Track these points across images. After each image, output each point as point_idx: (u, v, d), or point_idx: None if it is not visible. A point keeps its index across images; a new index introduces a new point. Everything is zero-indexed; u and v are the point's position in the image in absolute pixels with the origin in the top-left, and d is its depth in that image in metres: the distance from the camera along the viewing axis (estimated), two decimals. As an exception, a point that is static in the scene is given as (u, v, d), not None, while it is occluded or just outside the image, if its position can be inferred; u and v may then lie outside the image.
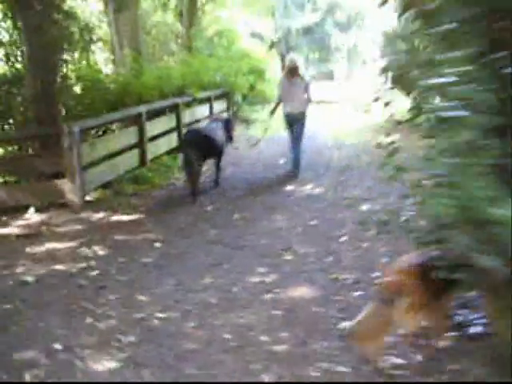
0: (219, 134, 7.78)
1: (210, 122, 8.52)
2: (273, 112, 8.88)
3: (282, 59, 23.63)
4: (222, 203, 6.95)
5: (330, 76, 40.75)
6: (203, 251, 5.10)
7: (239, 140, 12.21)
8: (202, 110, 11.91)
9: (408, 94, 15.57)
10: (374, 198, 6.90)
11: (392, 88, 13.96)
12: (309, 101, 8.44)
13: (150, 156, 8.79)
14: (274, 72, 17.91)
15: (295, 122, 8.34)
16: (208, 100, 12.30)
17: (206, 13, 17.09)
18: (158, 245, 5.33)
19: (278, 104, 8.61)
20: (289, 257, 4.90)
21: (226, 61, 14.01)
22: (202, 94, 11.65)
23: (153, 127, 9.04)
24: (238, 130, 13.46)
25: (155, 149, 9.12)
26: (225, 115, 9.94)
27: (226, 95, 13.79)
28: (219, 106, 13.33)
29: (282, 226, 5.86)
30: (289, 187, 7.73)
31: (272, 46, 20.08)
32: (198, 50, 14.76)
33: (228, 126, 8.23)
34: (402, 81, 12.97)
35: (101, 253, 5.14)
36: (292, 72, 8.28)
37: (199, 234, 5.67)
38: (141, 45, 12.82)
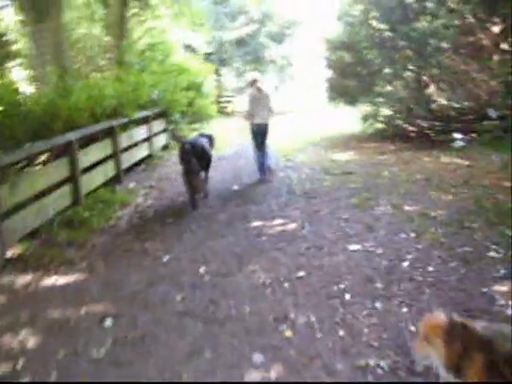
0: (209, 147, 8.33)
1: (200, 137, 8.68)
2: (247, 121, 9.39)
3: (217, 72, 22.60)
4: (179, 250, 5.69)
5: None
6: (173, 331, 3.83)
7: (178, 164, 10.99)
8: (140, 132, 10.58)
9: (352, 104, 14.88)
10: (359, 234, 5.89)
11: (333, 99, 13.12)
12: (271, 112, 9.32)
13: (84, 191, 7.40)
14: (211, 86, 16.72)
15: (262, 132, 9.22)
16: (146, 120, 10.98)
17: (136, 24, 15.75)
18: (109, 323, 4.00)
19: (248, 117, 9.26)
20: (288, 332, 3.73)
21: (162, 76, 12.73)
22: (139, 114, 10.34)
23: (86, 157, 7.65)
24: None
25: (90, 182, 7.73)
26: (208, 132, 9.49)
27: (164, 114, 12.51)
28: (158, 126, 12.03)
29: (263, 282, 4.67)
30: (254, 223, 6.57)
31: (206, 58, 18.90)
32: (129, 65, 13.39)
33: (211, 141, 8.69)
34: (346, 91, 12.10)
35: (31, 344, 3.74)
36: (258, 87, 9.22)
37: (161, 301, 4.38)
38: (66, 60, 11.37)
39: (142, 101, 10.53)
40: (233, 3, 25.63)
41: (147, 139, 10.95)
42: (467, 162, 9.94)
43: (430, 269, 4.76)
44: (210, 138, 8.69)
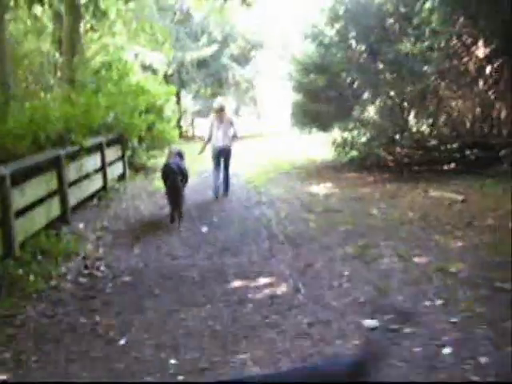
0: (184, 164, 8.60)
1: (175, 156, 8.65)
2: (202, 151, 10.06)
3: (177, 95, 21.29)
4: (140, 328, 4.28)
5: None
6: None
7: (140, 197, 9.61)
8: (92, 162, 9.12)
9: (324, 130, 13.80)
10: (371, 301, 4.64)
11: (303, 124, 11.97)
12: (235, 136, 9.85)
13: (19, 238, 5.93)
14: (173, 109, 15.39)
15: (224, 155, 9.67)
16: (99, 148, 9.55)
17: (91, 40, 14.34)
18: None
19: (206, 143, 9.85)
20: None
21: (119, 97, 11.33)
22: (91, 141, 8.91)
23: (22, 195, 6.17)
24: (138, 183, 10.87)
25: (28, 226, 6.25)
26: (176, 148, 9.79)
27: (120, 139, 11.09)
28: (113, 153, 10.59)
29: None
30: (234, 283, 5.24)
31: (166, 80, 17.60)
32: (82, 85, 11.94)
33: (182, 156, 8.76)
34: (318, 116, 10.96)
35: None
36: (220, 113, 9.68)
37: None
38: (7, 77, 9.91)
39: (94, 125, 9.10)
40: (194, 23, 24.47)
41: (100, 169, 9.51)
42: (460, 197, 8.91)
43: (483, 360, 3.53)
44: (180, 154, 8.77)
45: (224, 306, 4.66)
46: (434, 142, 12.38)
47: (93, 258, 6.04)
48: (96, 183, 9.23)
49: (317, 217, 8.01)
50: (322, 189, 10.46)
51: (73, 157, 8.32)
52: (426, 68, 11.14)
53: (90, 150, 9.04)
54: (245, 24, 26.24)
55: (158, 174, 12.58)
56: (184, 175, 8.27)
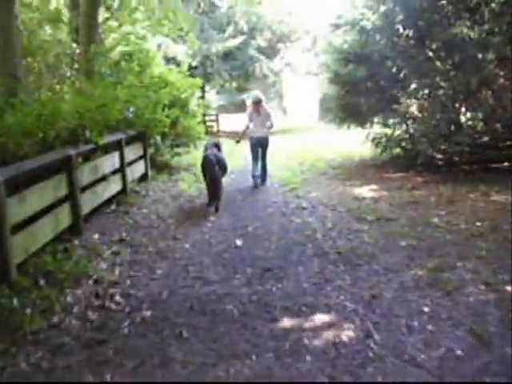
0: (223, 155, 8.79)
1: (212, 147, 8.77)
2: (239, 141, 10.78)
3: (202, 89, 20.19)
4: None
5: (242, 107, 37.87)
6: None
7: (164, 202, 8.51)
8: (110, 162, 8.04)
9: (363, 125, 12.53)
10: (475, 355, 3.45)
11: (342, 119, 10.68)
12: (271, 127, 10.14)
13: (20, 257, 4.87)
14: (198, 103, 14.27)
15: (261, 145, 10.10)
16: (117, 146, 8.47)
17: (109, 30, 13.29)
18: None
19: (245, 131, 10.36)
20: None
21: (140, 90, 10.25)
22: (108, 139, 7.85)
23: (22, 204, 5.10)
24: (161, 184, 9.79)
25: (29, 241, 5.17)
26: (214, 140, 9.87)
27: (141, 136, 10.00)
28: (134, 152, 9.51)
29: None
30: (283, 322, 4.06)
31: (191, 73, 16.47)
32: (101, 76, 10.91)
33: (220, 148, 8.95)
34: (357, 110, 9.68)
35: None
36: (258, 105, 10.01)
37: None
38: (17, 68, 8.89)
39: (112, 120, 8.03)
40: (219, 13, 23.31)
41: (119, 170, 8.43)
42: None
43: None
44: (218, 146, 8.94)
45: (274, 358, 3.51)
46: (487, 139, 11.05)
47: (107, 282, 4.92)
48: (114, 186, 8.15)
49: (369, 227, 6.81)
50: (367, 192, 9.25)
51: (87, 157, 7.26)
52: (481, 55, 9.83)
53: (106, 149, 7.99)
54: (272, 14, 24.98)
55: (183, 174, 11.62)
56: (222, 166, 8.47)
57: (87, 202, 6.96)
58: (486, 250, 5.62)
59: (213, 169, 8.13)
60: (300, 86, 31.26)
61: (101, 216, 7.46)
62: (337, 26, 14.06)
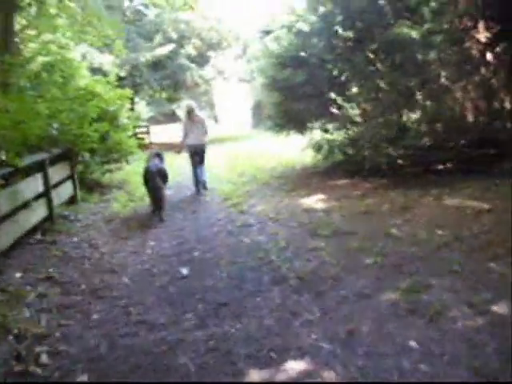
0: (164, 166, 9.01)
1: (154, 158, 9.03)
2: (180, 150, 10.92)
3: (132, 100, 19.23)
4: None
5: (172, 118, 36.91)
6: None
7: (96, 226, 7.65)
8: (32, 186, 7.10)
9: (302, 131, 12.06)
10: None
11: (280, 126, 10.15)
12: (205, 133, 10.59)
13: None
14: (128, 117, 13.34)
15: (199, 152, 10.47)
16: (41, 167, 7.53)
17: (28, 39, 12.19)
18: None
19: (183, 141, 10.65)
20: None
21: (64, 104, 9.32)
22: (28, 159, 6.92)
23: None
24: (92, 206, 8.91)
25: None
26: (156, 150, 10.16)
27: (67, 155, 9.06)
28: (59, 172, 8.55)
29: None
30: (252, 375, 3.39)
31: (119, 83, 15.50)
32: (20, 89, 9.87)
33: (162, 158, 9.20)
34: (295, 117, 9.14)
35: None
36: (190, 114, 10.47)
37: None
38: None
39: (32, 139, 7.10)
40: (147, 21, 22.39)
41: (43, 194, 7.49)
42: (485, 205, 7.38)
43: None
44: (160, 156, 9.22)
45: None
46: (428, 139, 10.80)
47: (31, 336, 4.06)
48: (38, 212, 7.20)
49: (326, 243, 6.26)
50: (316, 202, 8.73)
51: (4, 182, 6.31)
52: (422, 56, 9.58)
53: (28, 171, 7.04)
54: (201, 22, 24.31)
55: (116, 192, 10.73)
56: (164, 176, 8.71)
57: (7, 234, 6.04)
58: (456, 263, 5.15)
59: (154, 179, 8.35)
60: (231, 93, 30.78)
61: (24, 249, 6.50)
62: (267, 33, 13.61)
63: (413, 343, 3.61)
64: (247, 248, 6.35)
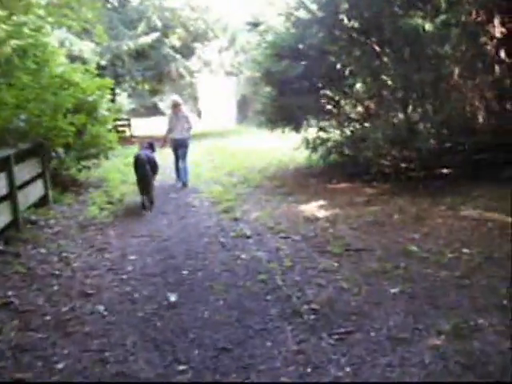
0: (155, 156, 9.02)
1: (146, 147, 9.11)
2: (164, 144, 10.89)
3: (113, 91, 18.11)
4: None
5: (154, 111, 35.77)
6: None
7: (69, 234, 6.62)
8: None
9: (297, 129, 11.04)
10: None
11: (272, 123, 9.20)
12: (190, 128, 10.70)
13: None
14: (108, 108, 12.26)
15: (182, 145, 10.59)
16: (4, 164, 6.47)
17: (-2, 20, 11.01)
18: None
19: (167, 135, 10.80)
20: None
21: (36, 92, 8.26)
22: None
23: None
24: (66, 208, 7.90)
25: None
26: (148, 140, 10.06)
27: (37, 150, 8.01)
28: (26, 170, 7.49)
29: None
30: None
31: (99, 73, 14.40)
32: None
33: (153, 148, 9.33)
34: (291, 113, 8.20)
35: None
36: (175, 107, 10.72)
37: None
38: None
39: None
40: (131, 8, 21.20)
41: (7, 196, 6.45)
42: (508, 218, 6.59)
43: None
44: (152, 146, 9.29)
45: None
46: (436, 141, 9.95)
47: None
48: (0, 218, 6.16)
49: (339, 263, 5.35)
50: (317, 210, 7.82)
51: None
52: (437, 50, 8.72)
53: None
54: (187, 11, 23.18)
55: (93, 192, 9.71)
56: (154, 165, 8.68)
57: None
58: (502, 295, 4.28)
59: (143, 167, 8.33)
60: (216, 87, 29.73)
61: (-20, 263, 5.48)
62: (254, 25, 12.69)
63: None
64: (245, 267, 5.40)
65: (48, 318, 4.25)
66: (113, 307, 4.46)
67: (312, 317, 4.08)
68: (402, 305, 4.23)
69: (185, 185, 10.47)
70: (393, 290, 4.54)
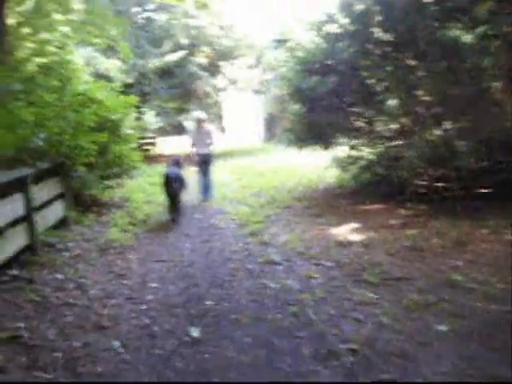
0: (184, 174, 9.26)
1: (173, 165, 9.43)
2: (191, 156, 10.90)
3: (138, 109, 17.95)
4: None
5: (180, 129, 35.57)
6: None
7: (88, 258, 6.27)
8: (7, 209, 5.74)
9: (326, 147, 10.61)
10: None
11: (301, 141, 8.76)
12: (211, 143, 10.88)
13: None
14: (132, 127, 12.02)
15: (206, 161, 10.82)
16: (20, 185, 6.16)
17: (22, 38, 10.92)
18: None
19: (192, 150, 10.84)
20: None
21: (56, 110, 8.02)
22: (2, 176, 5.58)
23: None
24: (87, 230, 7.58)
25: None
26: (175, 157, 9.91)
27: (58, 170, 7.73)
28: (46, 191, 7.21)
29: None
30: None
31: (125, 91, 14.21)
32: (7, 93, 8.55)
33: (180, 165, 9.49)
34: (321, 131, 7.77)
35: None
36: (200, 123, 10.99)
37: None
38: None
39: (9, 151, 5.75)
40: (156, 27, 21.13)
41: (24, 218, 6.13)
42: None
43: None
44: (179, 163, 9.46)
45: None
46: (475, 160, 9.40)
47: None
48: (15, 242, 5.85)
49: (378, 295, 4.86)
50: (351, 233, 7.35)
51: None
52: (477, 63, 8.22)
53: (3, 191, 5.70)
54: (213, 28, 23.05)
55: (116, 213, 9.39)
56: (182, 182, 8.92)
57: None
58: None
59: (171, 185, 8.59)
60: (242, 105, 29.51)
61: (-6, 289, 5.14)
62: (280, 42, 12.37)
63: None
64: (275, 297, 4.96)
65: (58, 354, 3.86)
66: (129, 343, 4.05)
67: (350, 360, 3.61)
68: (451, 347, 3.73)
69: (205, 201, 10.59)
70: (439, 327, 4.05)
